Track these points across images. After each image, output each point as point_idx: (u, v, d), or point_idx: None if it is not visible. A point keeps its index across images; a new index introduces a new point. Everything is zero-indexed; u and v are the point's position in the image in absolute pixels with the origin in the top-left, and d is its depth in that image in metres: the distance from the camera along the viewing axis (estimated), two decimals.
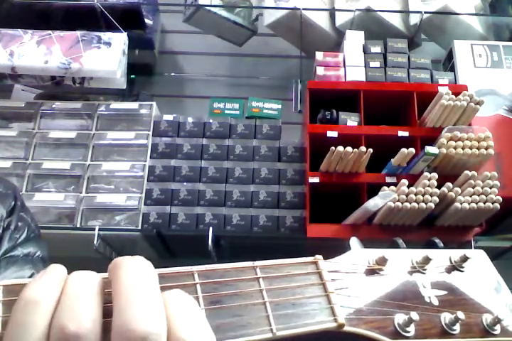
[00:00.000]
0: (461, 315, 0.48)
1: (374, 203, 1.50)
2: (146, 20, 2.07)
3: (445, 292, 0.51)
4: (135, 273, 0.40)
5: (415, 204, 1.48)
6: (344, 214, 1.64)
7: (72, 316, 0.37)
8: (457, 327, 0.48)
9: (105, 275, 0.41)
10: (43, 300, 0.38)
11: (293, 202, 1.73)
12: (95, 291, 0.40)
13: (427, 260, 0.52)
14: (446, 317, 0.49)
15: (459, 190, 1.50)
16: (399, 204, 1.48)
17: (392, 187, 1.52)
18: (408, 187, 1.48)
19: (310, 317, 0.45)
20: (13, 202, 0.84)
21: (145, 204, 1.74)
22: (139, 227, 1.71)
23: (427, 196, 1.48)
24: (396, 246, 0.55)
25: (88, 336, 0.37)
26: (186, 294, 0.41)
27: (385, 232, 1.60)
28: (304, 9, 1.96)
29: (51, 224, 1.72)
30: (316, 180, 1.66)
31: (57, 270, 0.41)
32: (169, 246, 1.81)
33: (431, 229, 1.61)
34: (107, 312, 0.39)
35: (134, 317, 0.37)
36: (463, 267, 0.53)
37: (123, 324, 0.37)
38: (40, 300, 0.38)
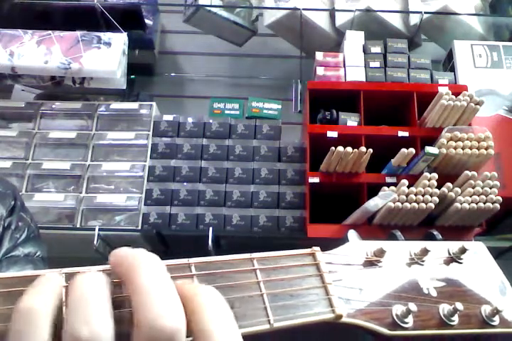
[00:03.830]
0: (459, 306, 0.48)
1: (374, 203, 1.50)
2: (146, 21, 2.07)
3: (443, 283, 0.51)
4: (150, 270, 0.40)
5: (415, 205, 1.48)
6: (344, 214, 1.64)
7: (85, 322, 0.37)
8: (456, 318, 0.48)
9: (104, 267, 0.41)
10: (41, 308, 0.38)
11: (293, 202, 1.73)
12: (103, 292, 0.39)
13: (425, 252, 0.52)
14: (444, 308, 0.49)
15: (459, 190, 1.50)
16: (399, 204, 1.48)
17: (392, 188, 1.52)
18: (408, 187, 1.48)
19: (308, 308, 0.45)
20: (12, 202, 0.84)
21: (145, 204, 1.74)
22: (139, 227, 1.71)
23: (427, 196, 1.48)
24: (394, 238, 0.55)
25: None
26: (212, 288, 0.42)
27: (385, 232, 1.60)
28: (304, 9, 1.96)
29: (51, 224, 1.72)
30: (316, 180, 1.66)
31: (52, 277, 0.41)
32: (169, 247, 1.81)
33: (431, 229, 1.61)
34: (115, 303, 0.39)
35: (160, 315, 0.37)
36: (461, 259, 0.53)
37: (151, 322, 0.37)
38: (39, 309, 0.38)
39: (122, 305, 0.40)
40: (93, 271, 0.41)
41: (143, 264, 0.40)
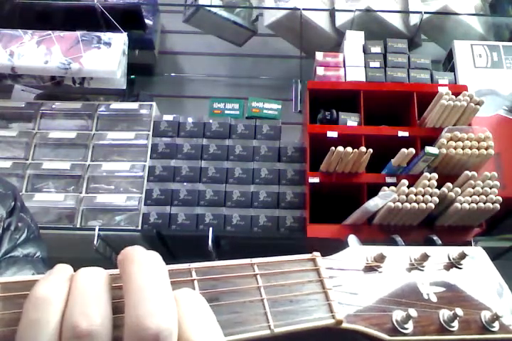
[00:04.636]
0: (459, 311, 0.48)
1: (374, 203, 1.50)
2: (146, 21, 2.07)
3: (443, 289, 0.51)
4: (147, 268, 0.40)
5: (415, 205, 1.48)
6: (344, 214, 1.64)
7: (83, 314, 0.37)
8: (456, 324, 0.48)
9: (113, 271, 0.41)
10: (53, 297, 0.38)
11: (293, 202, 1.73)
12: (104, 287, 0.40)
13: (425, 257, 0.52)
14: (444, 313, 0.49)
15: (459, 190, 1.50)
16: (399, 204, 1.48)
17: (392, 188, 1.52)
18: (408, 187, 1.48)
19: (308, 313, 0.45)
20: (12, 203, 0.84)
21: (145, 204, 1.74)
22: (139, 227, 1.71)
23: (427, 196, 1.48)
24: (394, 243, 0.55)
25: (100, 333, 0.37)
26: (197, 293, 0.41)
27: (385, 232, 1.60)
28: (304, 9, 1.96)
29: (51, 224, 1.72)
30: (316, 180, 1.66)
31: (64, 268, 0.41)
32: (169, 247, 1.81)
33: (431, 229, 1.61)
34: (117, 308, 0.39)
35: (147, 314, 0.37)
36: (461, 264, 0.53)
37: (136, 320, 0.37)
38: (51, 298, 0.38)
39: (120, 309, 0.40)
40: (95, 267, 0.41)
41: (140, 262, 0.40)
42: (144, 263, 0.40)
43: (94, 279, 0.40)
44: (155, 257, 0.41)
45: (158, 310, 0.37)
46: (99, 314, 0.38)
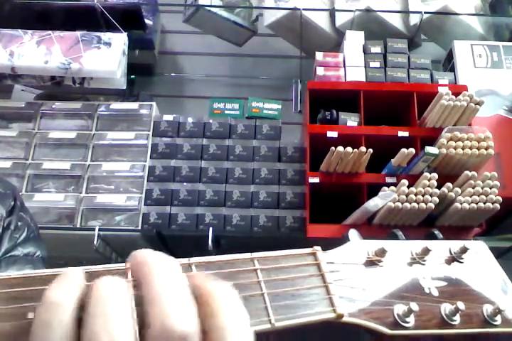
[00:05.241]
0: (461, 305, 0.48)
1: (374, 203, 1.50)
2: (146, 21, 2.07)
3: (445, 283, 0.51)
4: (165, 273, 0.40)
5: (415, 205, 1.47)
6: (344, 214, 1.64)
7: (107, 331, 0.37)
8: (457, 318, 0.48)
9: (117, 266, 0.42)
10: (65, 301, 0.38)
11: (293, 202, 1.73)
12: (128, 302, 0.39)
13: (426, 251, 0.52)
14: (446, 307, 0.48)
15: (458, 190, 1.50)
16: (399, 204, 1.48)
17: (392, 188, 1.52)
18: (408, 187, 1.48)
19: (309, 308, 0.45)
20: (12, 202, 0.84)
21: (145, 204, 1.74)
22: (139, 227, 1.71)
23: (427, 196, 1.48)
24: (395, 237, 0.55)
25: None
26: (224, 283, 0.41)
27: (385, 232, 1.58)
28: (304, 9, 1.96)
29: (51, 224, 1.72)
30: (316, 180, 1.66)
31: (76, 272, 0.41)
32: (169, 247, 1.81)
33: (431, 229, 1.61)
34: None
35: (173, 320, 0.37)
36: (462, 258, 0.53)
37: (162, 327, 0.37)
38: (63, 302, 0.38)
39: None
40: (116, 277, 0.40)
41: (157, 270, 0.40)
42: (162, 269, 0.40)
43: (116, 292, 0.39)
44: (169, 260, 0.42)
45: (182, 316, 0.38)
46: (122, 330, 0.37)
